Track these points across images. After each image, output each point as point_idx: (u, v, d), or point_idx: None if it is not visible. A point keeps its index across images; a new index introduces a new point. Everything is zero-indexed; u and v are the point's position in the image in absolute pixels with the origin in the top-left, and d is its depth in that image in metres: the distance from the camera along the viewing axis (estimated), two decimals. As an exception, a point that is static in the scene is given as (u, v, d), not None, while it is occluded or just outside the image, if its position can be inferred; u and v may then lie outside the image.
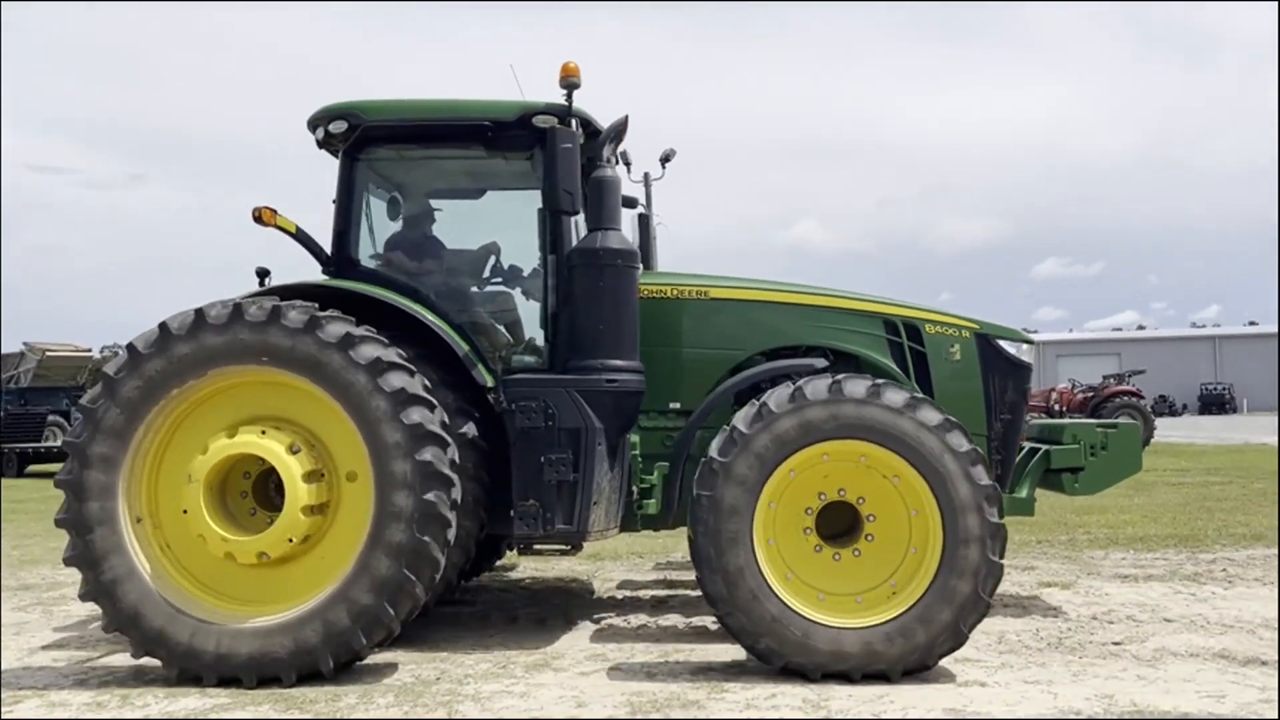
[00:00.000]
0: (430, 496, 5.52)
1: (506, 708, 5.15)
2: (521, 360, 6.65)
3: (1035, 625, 6.79)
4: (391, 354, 5.67)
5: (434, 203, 7.35)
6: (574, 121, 6.25)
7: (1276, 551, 7.85)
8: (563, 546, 6.56)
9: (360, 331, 5.67)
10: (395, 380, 5.58)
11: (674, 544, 10.00)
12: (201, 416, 5.81)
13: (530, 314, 6.94)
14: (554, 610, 7.46)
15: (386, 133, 6.66)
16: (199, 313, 5.66)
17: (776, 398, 5.68)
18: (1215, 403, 62.59)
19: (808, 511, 5.75)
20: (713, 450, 5.67)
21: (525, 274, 7.07)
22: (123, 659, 5.99)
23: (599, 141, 6.47)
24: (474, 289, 7.10)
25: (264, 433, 5.66)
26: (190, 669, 5.58)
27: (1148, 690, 5.25)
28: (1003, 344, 7.16)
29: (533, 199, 6.55)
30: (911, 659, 5.49)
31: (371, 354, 5.59)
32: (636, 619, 7.19)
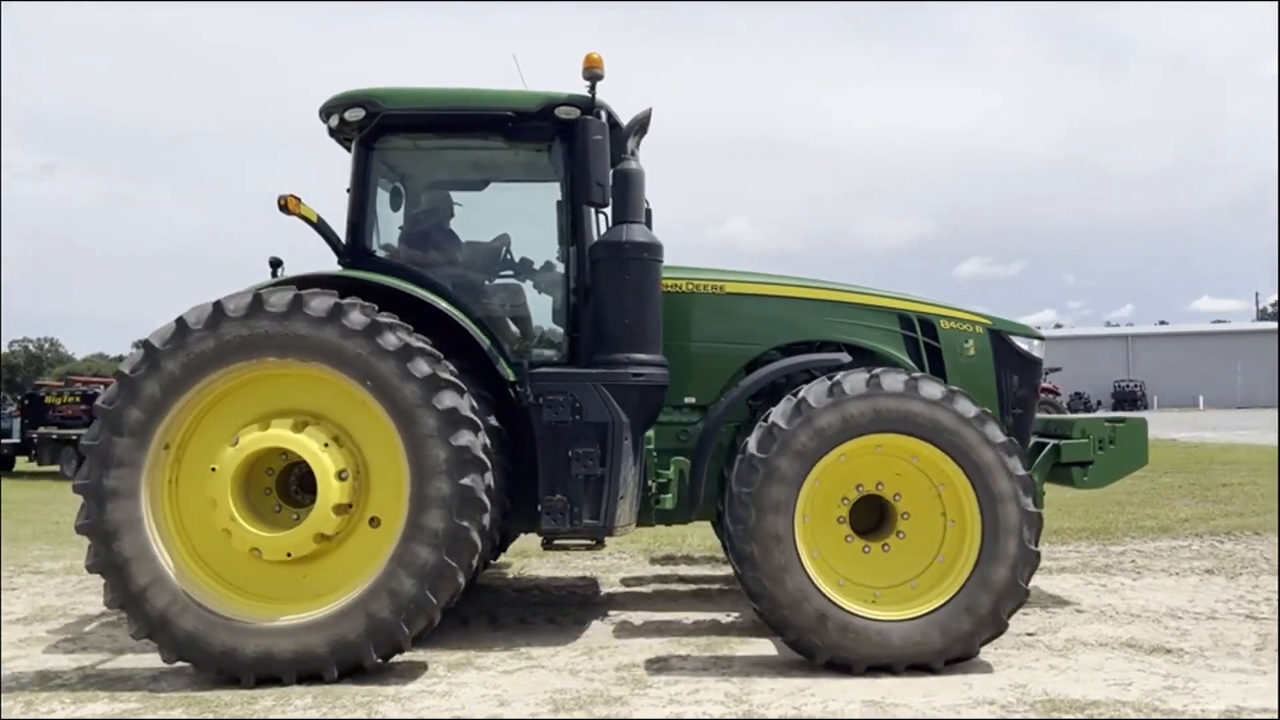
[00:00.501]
0: (467, 480, 5.46)
1: (428, 708, 5.09)
2: (540, 354, 6.52)
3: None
4: (418, 341, 5.61)
5: (448, 194, 7.22)
6: (603, 113, 6.24)
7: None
8: (588, 541, 6.40)
9: (387, 319, 5.62)
10: (424, 367, 5.53)
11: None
12: (224, 411, 5.69)
13: (540, 307, 6.86)
14: (476, 609, 7.39)
15: (405, 121, 6.50)
16: (257, 298, 5.54)
17: (815, 393, 5.70)
18: (1127, 399, 64.54)
19: (843, 501, 5.83)
20: (751, 446, 5.66)
21: (536, 267, 6.96)
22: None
23: (623, 134, 6.47)
24: (486, 281, 6.94)
25: (301, 427, 5.57)
26: (228, 670, 5.46)
27: (1058, 679, 5.38)
28: (1015, 339, 7.30)
29: (541, 191, 6.58)
30: (955, 649, 5.57)
31: (398, 341, 5.53)
32: (561, 617, 7.16)
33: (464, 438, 5.49)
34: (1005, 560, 5.56)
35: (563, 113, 6.27)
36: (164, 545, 5.54)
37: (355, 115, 6.36)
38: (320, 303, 5.53)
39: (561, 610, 7.39)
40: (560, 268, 6.60)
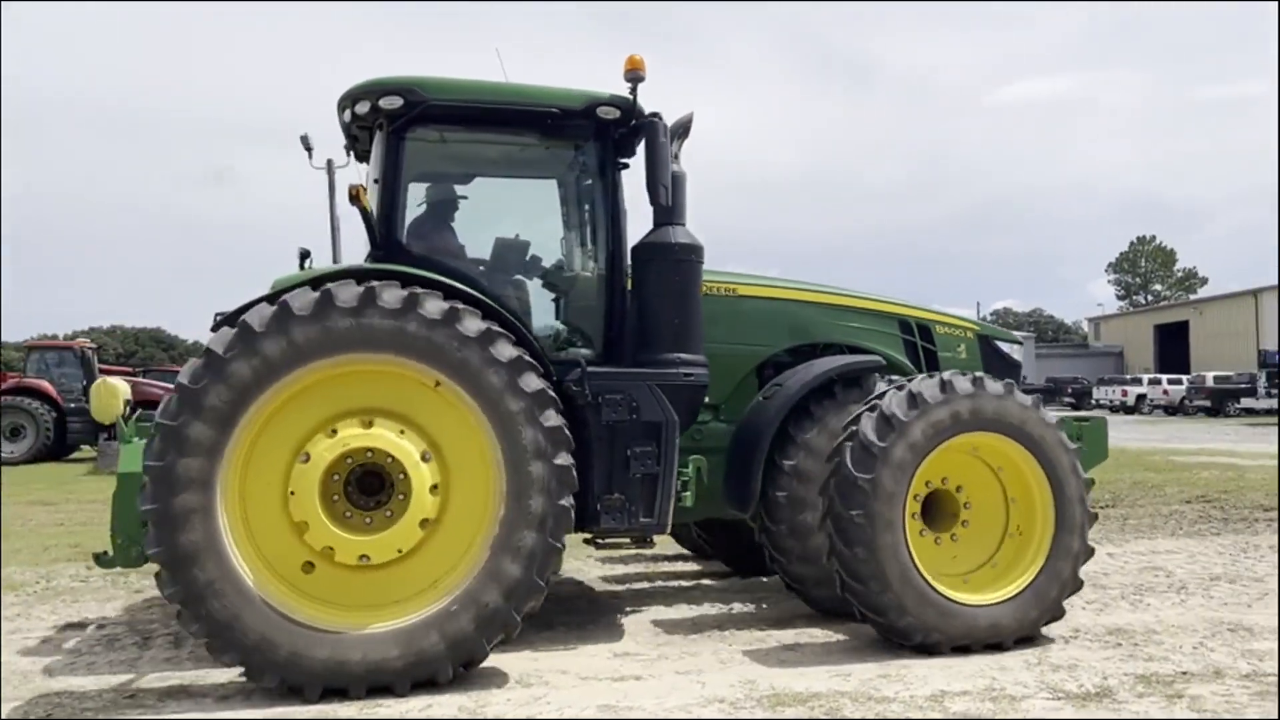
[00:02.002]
0: (560, 460, 5.47)
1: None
2: (576, 353, 6.35)
3: (695, 615, 7.08)
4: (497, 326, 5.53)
5: (477, 188, 7.03)
6: (660, 116, 6.16)
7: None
8: (639, 538, 6.33)
9: (464, 307, 5.50)
10: (509, 350, 5.47)
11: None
12: (301, 406, 5.36)
13: (568, 304, 6.74)
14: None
15: (444, 113, 6.24)
16: (326, 294, 5.28)
17: (929, 388, 5.98)
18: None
19: (915, 498, 6.06)
20: (870, 434, 5.83)
21: (548, 265, 6.82)
22: None
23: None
24: (517, 278, 6.73)
25: (402, 432, 5.41)
26: (294, 680, 5.15)
27: (786, 673, 5.57)
28: (999, 344, 7.96)
29: (568, 188, 6.75)
30: (1024, 631, 6.03)
31: (480, 327, 5.45)
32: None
33: (552, 417, 5.49)
34: (1070, 555, 6.14)
35: (604, 112, 6.28)
36: (235, 541, 5.18)
37: (392, 104, 6.08)
38: (391, 295, 5.35)
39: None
40: (593, 266, 6.54)
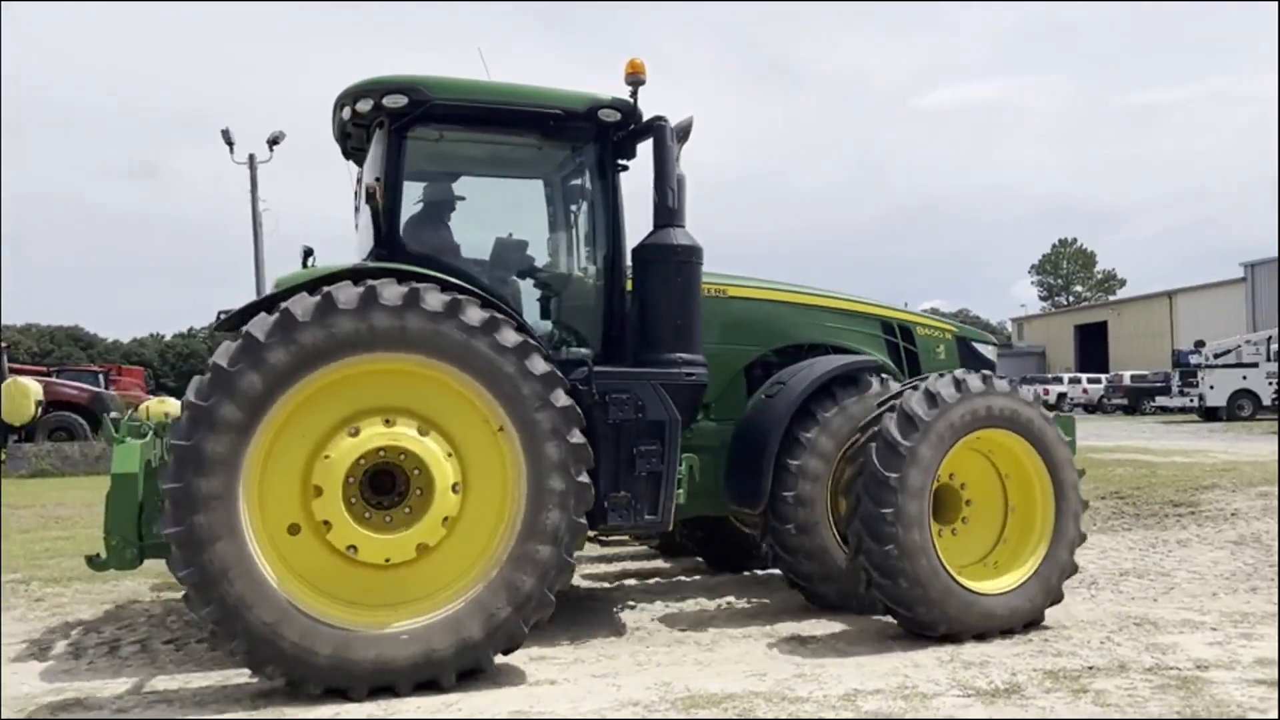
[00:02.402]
0: (584, 478, 5.56)
1: None
2: (574, 352, 6.43)
3: (615, 618, 7.03)
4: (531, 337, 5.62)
5: (477, 188, 7.05)
6: (666, 120, 6.27)
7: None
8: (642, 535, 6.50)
9: (502, 315, 5.58)
10: (542, 364, 5.54)
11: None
12: (318, 406, 5.30)
13: (563, 304, 6.74)
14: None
15: (448, 112, 6.25)
16: (371, 290, 5.26)
17: (945, 387, 6.19)
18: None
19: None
20: (895, 433, 6.03)
21: (547, 265, 6.90)
22: None
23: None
24: (513, 277, 6.75)
25: (424, 432, 5.41)
26: (338, 683, 5.12)
27: (702, 674, 5.56)
28: (976, 345, 8.29)
29: (557, 188, 6.84)
30: (1032, 615, 6.37)
31: (518, 338, 5.53)
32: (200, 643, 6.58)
33: (577, 435, 5.55)
34: (1068, 542, 6.51)
35: (605, 115, 6.39)
36: (260, 550, 5.11)
37: (396, 102, 6.09)
38: (436, 298, 5.37)
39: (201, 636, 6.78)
40: (590, 267, 6.65)
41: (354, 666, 5.12)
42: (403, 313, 5.28)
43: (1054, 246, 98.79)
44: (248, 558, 5.03)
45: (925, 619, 6.06)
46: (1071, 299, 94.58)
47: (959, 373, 6.38)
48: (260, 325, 5.13)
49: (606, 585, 8.30)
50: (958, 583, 6.14)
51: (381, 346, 5.27)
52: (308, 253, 6.64)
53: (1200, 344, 39.13)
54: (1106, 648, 5.96)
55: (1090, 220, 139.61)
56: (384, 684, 5.19)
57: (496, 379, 5.43)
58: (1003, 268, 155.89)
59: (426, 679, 5.25)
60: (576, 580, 8.42)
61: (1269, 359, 34.83)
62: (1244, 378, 34.77)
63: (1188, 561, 8.77)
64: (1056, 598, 6.49)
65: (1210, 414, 34.55)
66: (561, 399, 5.54)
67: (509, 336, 5.46)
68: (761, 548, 7.21)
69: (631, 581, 8.44)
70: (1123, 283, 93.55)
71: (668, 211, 6.26)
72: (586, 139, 6.58)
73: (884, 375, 7.27)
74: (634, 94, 6.34)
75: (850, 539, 6.23)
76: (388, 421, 5.37)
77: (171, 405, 30.06)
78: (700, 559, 9.08)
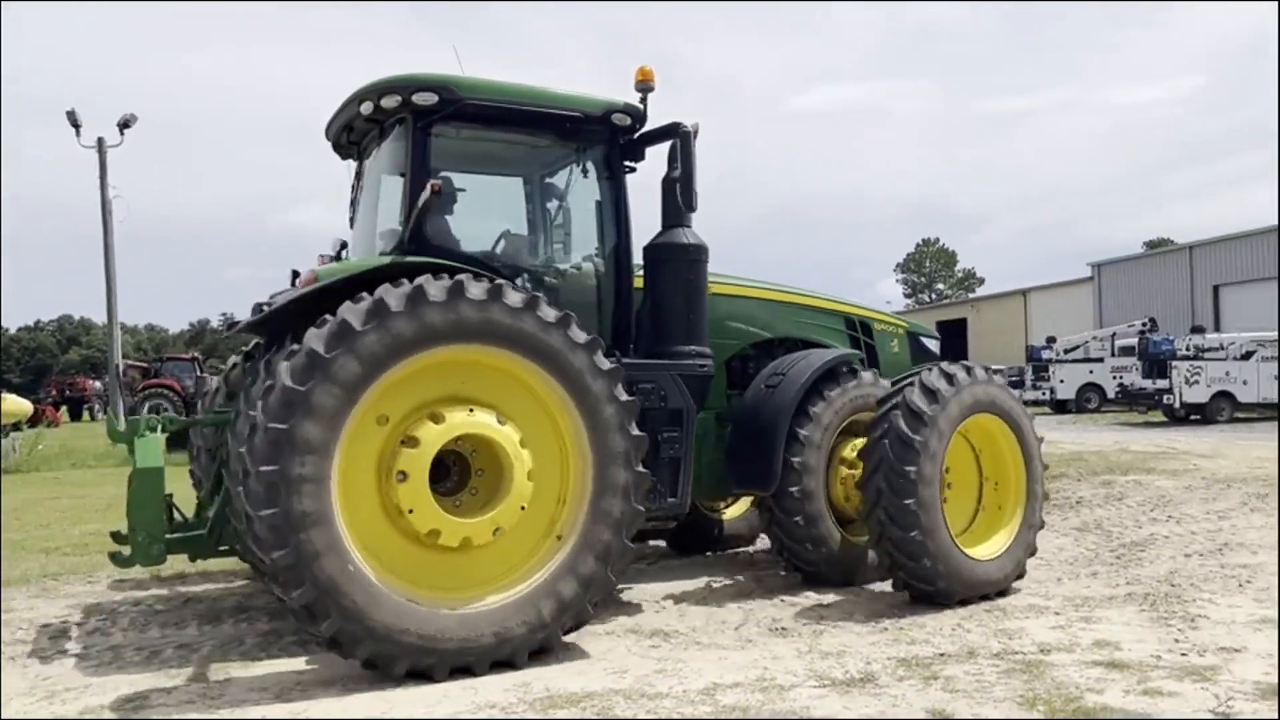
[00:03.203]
0: (641, 468, 5.91)
1: None
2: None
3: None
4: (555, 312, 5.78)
5: (487, 185, 7.35)
6: (687, 126, 6.64)
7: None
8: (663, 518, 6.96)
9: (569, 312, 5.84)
10: (605, 361, 5.86)
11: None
12: (399, 393, 5.48)
13: (570, 298, 6.73)
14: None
15: (476, 111, 6.42)
16: (459, 284, 5.48)
17: (940, 382, 6.87)
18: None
19: None
20: (905, 428, 6.68)
21: (552, 260, 7.12)
22: None
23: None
24: (525, 272, 6.84)
25: (502, 421, 5.63)
26: (425, 662, 5.27)
27: (562, 673, 5.47)
28: (923, 339, 9.10)
29: (560, 187, 7.12)
30: (1017, 573, 7.24)
31: (587, 335, 5.84)
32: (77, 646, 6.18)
33: (635, 428, 5.89)
34: (1036, 518, 7.36)
35: (617, 119, 6.73)
36: (349, 533, 5.22)
37: (427, 100, 6.23)
38: (515, 295, 5.62)
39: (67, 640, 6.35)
40: (600, 263, 6.91)
41: (440, 646, 5.28)
42: (487, 306, 5.50)
43: (918, 246, 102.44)
44: (339, 541, 5.13)
45: (946, 590, 6.71)
46: (934, 296, 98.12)
47: (946, 366, 7.08)
48: (355, 313, 5.27)
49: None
50: (964, 554, 6.83)
51: (464, 338, 5.49)
52: (342, 245, 6.64)
53: (1051, 340, 41.04)
54: (957, 634, 6.13)
55: (951, 221, 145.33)
56: (465, 664, 5.36)
57: (567, 372, 5.72)
58: (869, 267, 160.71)
59: (503, 659, 5.47)
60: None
61: (1114, 354, 36.83)
62: (1090, 372, 36.62)
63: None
64: (1021, 572, 7.26)
65: (1060, 406, 36.26)
66: (623, 393, 5.87)
67: (578, 334, 5.76)
68: (716, 532, 8.58)
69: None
70: (981, 281, 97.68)
71: (674, 212, 6.72)
72: (597, 141, 6.86)
73: (857, 368, 7.89)
74: (643, 100, 6.76)
75: (873, 528, 6.81)
76: (470, 410, 5.54)
77: (15, 404, 28.40)
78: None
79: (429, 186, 6.12)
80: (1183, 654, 5.57)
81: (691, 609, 6.95)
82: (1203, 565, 8.11)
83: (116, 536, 6.46)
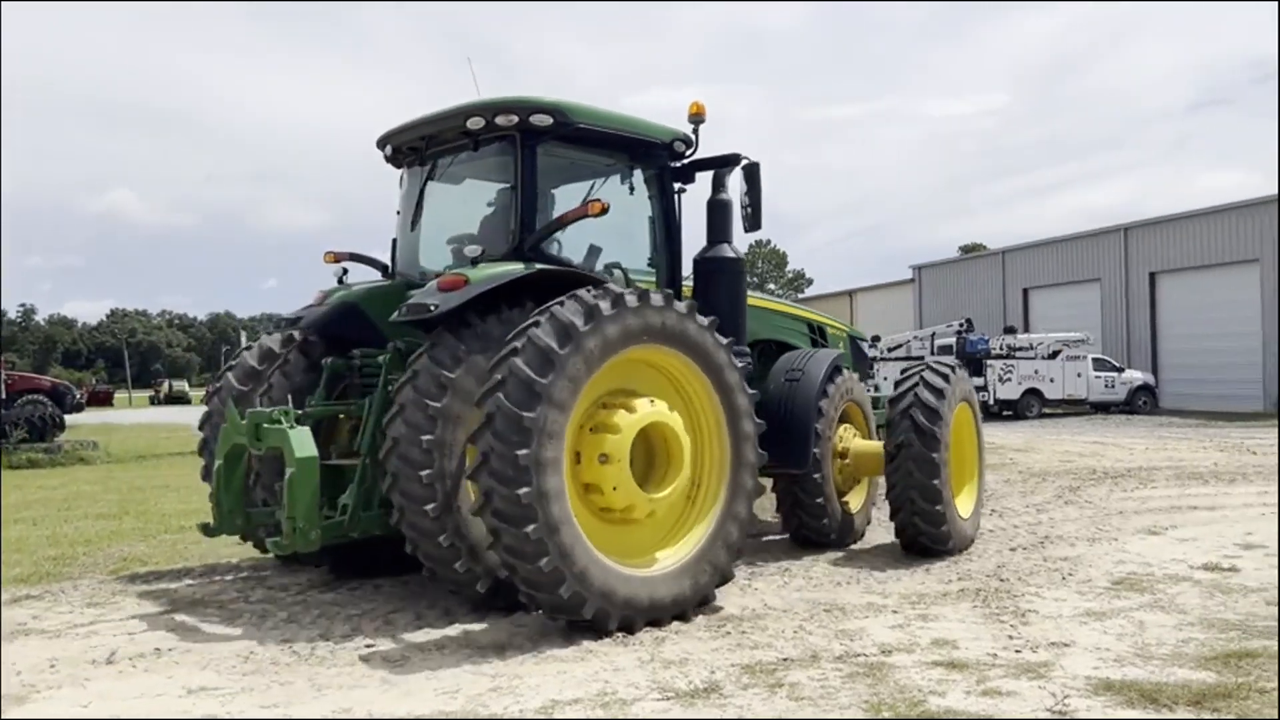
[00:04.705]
0: (761, 451, 7.04)
1: None
2: None
3: (288, 639, 6.26)
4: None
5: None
6: (750, 159, 7.91)
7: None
8: None
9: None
10: (738, 360, 6.98)
11: None
12: (596, 387, 6.31)
13: None
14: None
15: (579, 135, 7.18)
16: (645, 293, 6.36)
17: (956, 368, 8.66)
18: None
19: None
20: (922, 420, 8.19)
21: (619, 268, 7.58)
22: None
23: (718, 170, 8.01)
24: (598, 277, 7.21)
25: (672, 410, 6.55)
26: (629, 617, 6.08)
27: (387, 695, 5.06)
28: (860, 343, 10.80)
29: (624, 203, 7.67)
30: (974, 538, 9.00)
31: (725, 338, 6.88)
32: None
33: (755, 415, 7.00)
34: (983, 480, 9.38)
35: (677, 146, 7.78)
36: (573, 507, 6.05)
37: (543, 121, 6.91)
38: (681, 302, 6.58)
39: None
40: (656, 272, 7.84)
41: (638, 604, 6.14)
42: (665, 311, 6.41)
43: (750, 247, 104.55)
44: (569, 515, 5.89)
45: (947, 550, 8.46)
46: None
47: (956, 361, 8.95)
48: (576, 315, 5.97)
49: (286, 598, 7.51)
50: (959, 515, 8.72)
51: (649, 339, 6.36)
52: (474, 258, 6.83)
53: (876, 339, 42.51)
54: (799, 637, 6.03)
55: (780, 224, 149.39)
56: (654, 618, 6.23)
57: (716, 368, 6.72)
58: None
59: (678, 614, 6.37)
60: (236, 597, 7.62)
61: (933, 352, 38.46)
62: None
63: (868, 544, 9.24)
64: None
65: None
66: (747, 386, 6.88)
67: (720, 336, 6.74)
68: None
69: (302, 597, 7.66)
70: (810, 282, 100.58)
71: (720, 229, 7.81)
72: (659, 164, 7.78)
73: (843, 366, 9.14)
74: (695, 130, 7.73)
75: (898, 504, 8.33)
76: (651, 401, 6.43)
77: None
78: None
79: (589, 205, 6.72)
80: (1017, 651, 5.63)
81: (529, 619, 6.59)
82: (1027, 559, 8.36)
83: (206, 529, 6.95)
